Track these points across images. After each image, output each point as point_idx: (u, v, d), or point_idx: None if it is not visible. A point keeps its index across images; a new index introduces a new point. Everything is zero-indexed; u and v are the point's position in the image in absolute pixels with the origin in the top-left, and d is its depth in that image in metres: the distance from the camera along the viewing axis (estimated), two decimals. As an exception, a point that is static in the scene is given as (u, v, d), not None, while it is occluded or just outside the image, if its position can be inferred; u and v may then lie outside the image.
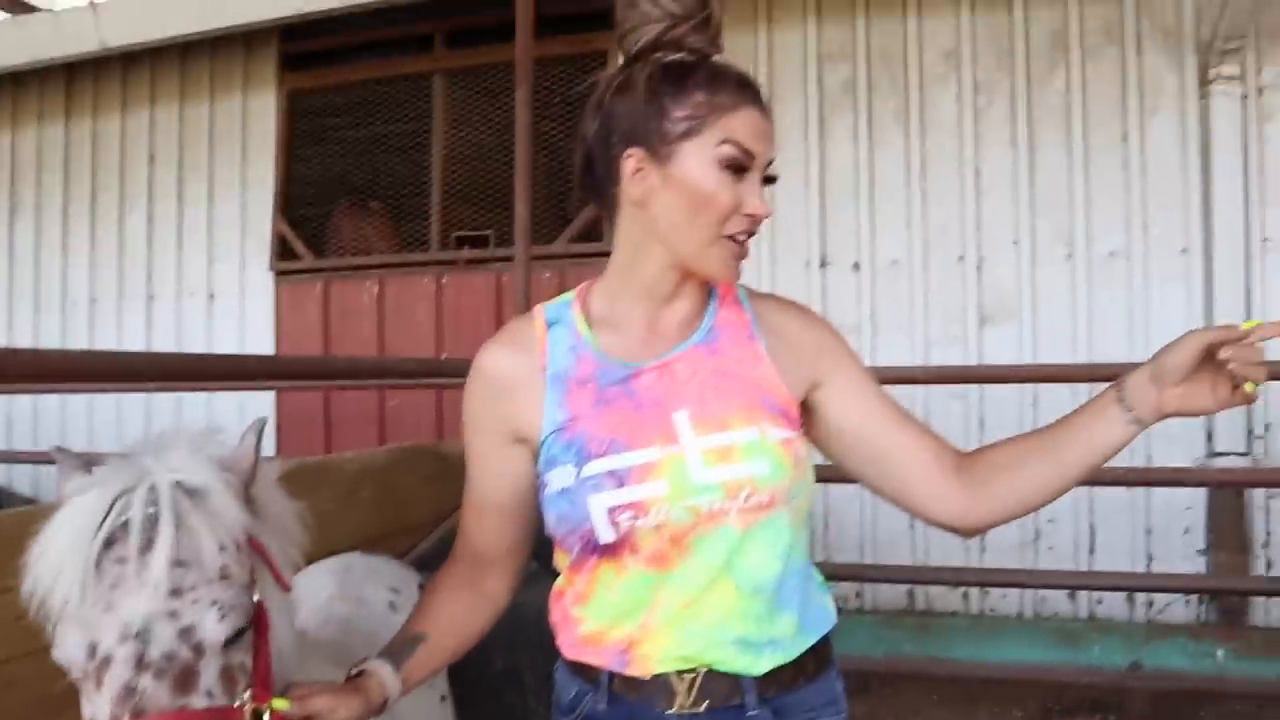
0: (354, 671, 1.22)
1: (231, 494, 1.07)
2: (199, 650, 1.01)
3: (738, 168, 1.17)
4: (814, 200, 4.96)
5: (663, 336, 1.27)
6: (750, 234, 1.21)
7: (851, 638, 4.02)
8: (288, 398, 5.84)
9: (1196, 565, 4.36)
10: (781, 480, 1.19)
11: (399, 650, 1.26)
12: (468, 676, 1.61)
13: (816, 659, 1.27)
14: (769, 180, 1.22)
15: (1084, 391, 3.38)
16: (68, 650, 1.00)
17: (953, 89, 4.83)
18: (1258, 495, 4.32)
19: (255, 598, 1.08)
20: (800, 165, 4.95)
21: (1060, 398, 3.97)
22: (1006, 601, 4.53)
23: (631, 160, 1.20)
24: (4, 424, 6.60)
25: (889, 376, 3.15)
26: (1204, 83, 4.45)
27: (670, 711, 1.19)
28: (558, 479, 1.20)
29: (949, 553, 4.32)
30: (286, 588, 1.18)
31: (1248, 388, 1.09)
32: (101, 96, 6.45)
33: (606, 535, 1.17)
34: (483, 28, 5.42)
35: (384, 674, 1.22)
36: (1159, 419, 1.15)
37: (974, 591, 4.52)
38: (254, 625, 1.07)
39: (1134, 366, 1.16)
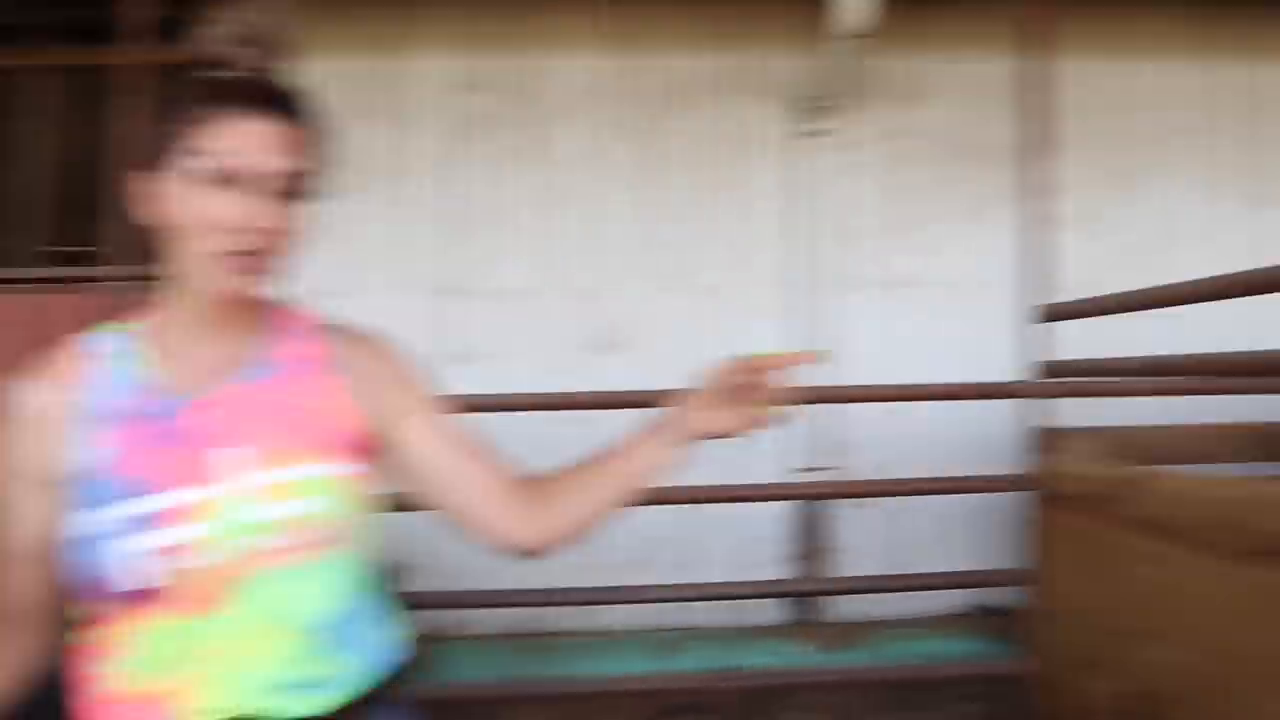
0: None
1: None
2: None
3: (225, 180, 1.11)
4: (440, 228, 4.99)
5: (218, 368, 1.21)
6: (254, 249, 1.13)
7: (457, 664, 4.05)
8: None
9: (785, 571, 4.82)
10: (341, 516, 1.18)
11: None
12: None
13: (383, 695, 1.24)
14: (293, 195, 1.16)
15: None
16: None
17: (580, 127, 5.06)
18: (839, 505, 4.85)
19: None
20: (429, 193, 4.97)
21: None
22: (615, 617, 4.75)
23: (141, 181, 1.17)
24: None
25: (495, 404, 3.23)
26: (801, 135, 5.02)
27: None
28: (85, 523, 1.10)
29: (554, 573, 4.43)
30: None
31: (767, 411, 1.25)
32: None
33: (138, 582, 1.09)
34: (95, 27, 4.96)
35: None
36: (691, 440, 1.28)
37: (584, 609, 4.69)
38: None
39: None
